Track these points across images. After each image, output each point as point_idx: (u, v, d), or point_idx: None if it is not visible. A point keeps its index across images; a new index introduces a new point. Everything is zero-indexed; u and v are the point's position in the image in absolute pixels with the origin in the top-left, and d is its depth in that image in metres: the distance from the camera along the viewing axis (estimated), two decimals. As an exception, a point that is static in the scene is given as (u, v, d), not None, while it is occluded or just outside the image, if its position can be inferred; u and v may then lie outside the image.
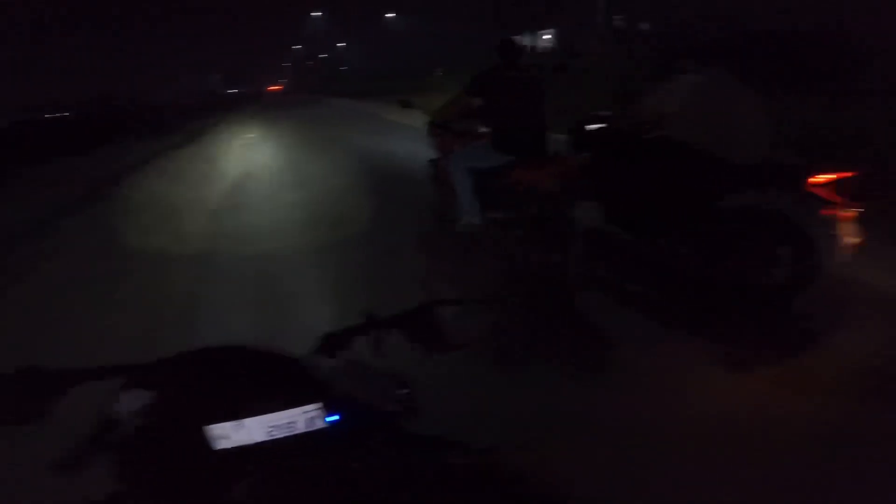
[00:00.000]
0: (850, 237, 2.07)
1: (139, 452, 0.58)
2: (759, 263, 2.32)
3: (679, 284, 2.48)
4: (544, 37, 27.70)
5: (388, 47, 41.38)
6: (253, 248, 3.83)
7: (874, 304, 2.35)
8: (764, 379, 1.93)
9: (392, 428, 0.67)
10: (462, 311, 0.81)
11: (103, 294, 3.23)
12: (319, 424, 0.59)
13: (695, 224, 2.47)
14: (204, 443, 0.56)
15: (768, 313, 2.28)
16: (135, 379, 0.61)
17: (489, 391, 1.88)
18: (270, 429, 0.58)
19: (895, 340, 2.08)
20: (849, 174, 2.09)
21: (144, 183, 7.48)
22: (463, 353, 0.79)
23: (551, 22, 25.43)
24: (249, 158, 8.48)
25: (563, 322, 2.43)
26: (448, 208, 3.37)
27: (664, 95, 2.54)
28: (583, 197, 2.66)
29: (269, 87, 53.18)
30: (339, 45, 55.07)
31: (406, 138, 7.34)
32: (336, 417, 0.60)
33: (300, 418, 0.58)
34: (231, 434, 0.57)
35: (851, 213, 2.07)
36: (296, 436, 0.58)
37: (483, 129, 3.17)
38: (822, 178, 2.11)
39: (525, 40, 27.12)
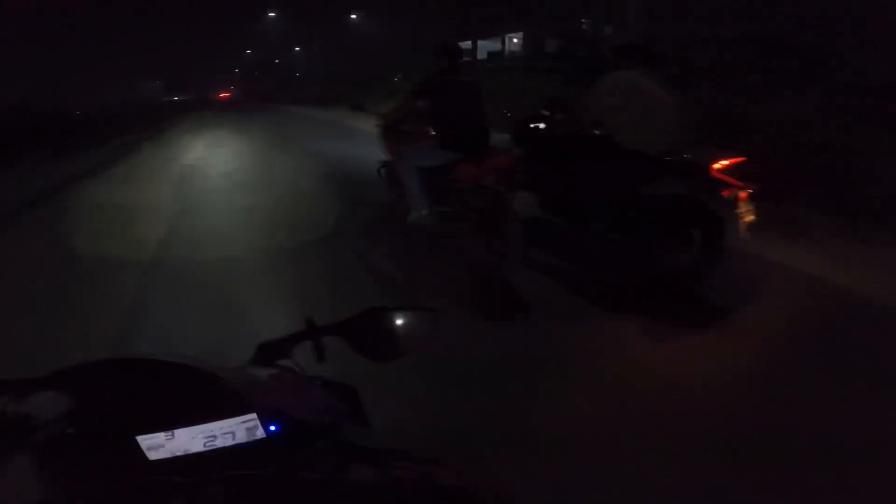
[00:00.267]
0: (746, 214, 2.56)
1: (63, 459, 0.60)
2: (675, 243, 2.79)
3: (608, 265, 2.92)
4: (514, 40, 29.02)
5: (347, 51, 42.02)
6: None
7: (766, 276, 2.88)
8: (679, 345, 2.36)
9: (335, 438, 0.69)
10: (409, 318, 0.82)
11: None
12: (259, 434, 0.61)
13: (620, 210, 2.93)
14: (136, 452, 0.59)
15: (683, 287, 2.75)
16: (52, 382, 0.62)
17: (436, 400, 2.00)
18: (207, 439, 0.60)
19: (784, 307, 2.58)
20: (741, 159, 2.60)
21: (48, 227, 5.38)
22: (409, 361, 0.81)
23: (519, 26, 26.67)
24: (188, 188, 6.83)
25: (505, 313, 2.78)
26: (400, 206, 3.75)
27: (595, 92, 2.99)
28: (521, 188, 3.08)
29: (220, 94, 53.39)
30: (295, 49, 55.51)
31: (360, 143, 7.74)
32: (275, 427, 0.62)
33: (238, 428, 0.61)
34: (164, 444, 0.59)
35: (746, 193, 2.56)
36: (235, 446, 0.61)
37: (431, 130, 3.58)
38: (721, 163, 2.61)
39: (486, 45, 28.26)
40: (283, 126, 14.30)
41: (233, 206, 5.56)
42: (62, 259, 4.08)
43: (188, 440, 0.60)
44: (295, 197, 5.63)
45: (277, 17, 50.75)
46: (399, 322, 0.81)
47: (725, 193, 2.56)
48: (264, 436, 0.61)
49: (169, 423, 0.59)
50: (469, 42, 29.88)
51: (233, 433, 0.61)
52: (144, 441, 0.59)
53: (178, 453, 0.60)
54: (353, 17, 42.97)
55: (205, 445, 0.60)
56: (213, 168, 8.13)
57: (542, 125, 3.51)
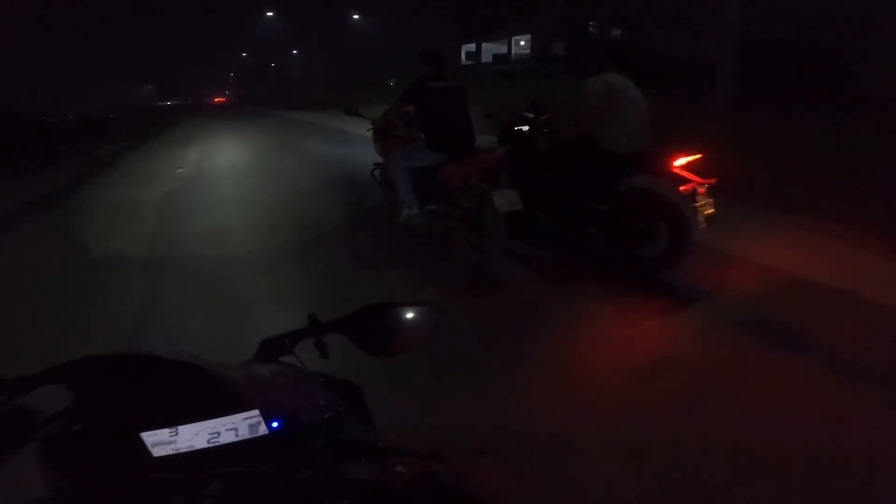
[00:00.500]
0: (704, 208, 2.99)
1: (67, 455, 0.63)
2: (644, 235, 3.21)
3: (586, 255, 3.35)
4: (520, 42, 29.85)
5: (346, 53, 43.15)
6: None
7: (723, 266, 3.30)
8: (649, 326, 2.77)
9: (335, 435, 0.72)
10: (410, 312, 0.88)
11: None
12: (262, 431, 0.64)
13: (596, 205, 3.36)
14: (140, 449, 0.62)
15: (651, 274, 3.17)
16: (55, 377, 0.65)
17: (434, 396, 2.20)
18: (211, 435, 0.64)
19: (742, 294, 2.99)
20: (698, 156, 3.03)
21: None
22: (407, 357, 0.86)
23: (526, 28, 27.47)
24: (173, 218, 5.61)
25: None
26: (392, 205, 4.21)
27: (583, 93, 3.42)
28: (504, 185, 3.52)
29: (215, 98, 55.48)
30: (292, 52, 56.89)
31: (354, 146, 8.22)
32: (278, 424, 0.65)
33: (241, 425, 0.64)
34: (168, 440, 0.63)
35: (703, 188, 2.99)
36: (237, 443, 0.64)
37: (420, 133, 4.04)
38: (681, 160, 3.04)
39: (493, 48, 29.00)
40: (281, 132, 14.75)
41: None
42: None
43: (192, 436, 0.64)
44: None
45: (276, 17, 52.01)
46: (400, 317, 0.87)
47: (685, 188, 2.99)
48: (266, 432, 0.65)
49: (172, 419, 0.63)
50: (473, 45, 30.73)
51: (236, 429, 0.64)
52: (149, 437, 0.63)
53: (182, 450, 0.64)
54: (356, 17, 44.10)
55: (208, 442, 0.64)
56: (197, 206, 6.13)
57: (525, 127, 3.97)
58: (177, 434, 0.63)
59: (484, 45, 30.17)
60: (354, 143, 9.13)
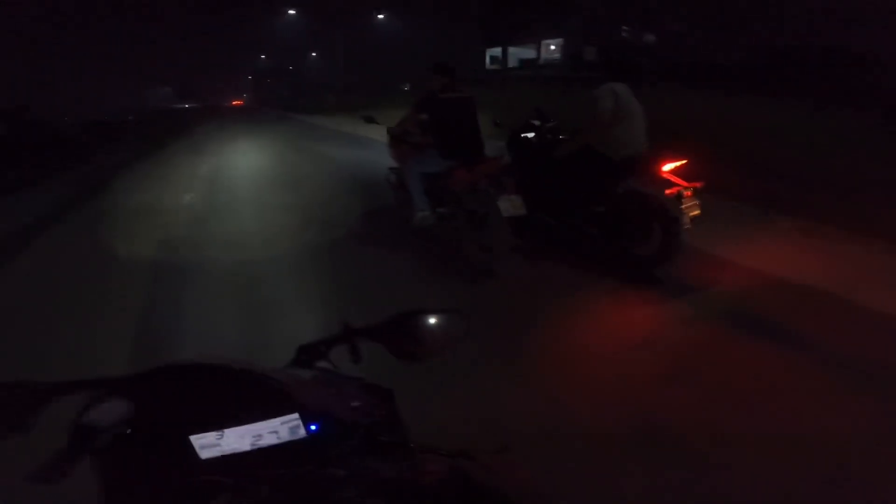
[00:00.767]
0: (690, 209, 3.48)
1: (121, 461, 0.71)
2: (638, 234, 3.72)
3: (585, 253, 3.87)
4: (550, 47, 30.64)
5: (368, 54, 44.59)
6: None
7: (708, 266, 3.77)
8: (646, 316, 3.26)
9: (369, 436, 0.79)
10: (439, 320, 0.96)
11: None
12: (301, 433, 0.72)
13: (594, 207, 3.89)
14: (189, 452, 0.70)
15: (645, 272, 3.67)
16: (110, 389, 0.73)
17: (464, 397, 2.44)
18: (254, 438, 0.71)
19: (731, 292, 3.47)
20: (684, 161, 3.54)
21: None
22: (438, 361, 0.95)
23: (556, 33, 28.23)
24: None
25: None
26: (406, 208, 4.81)
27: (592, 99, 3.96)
28: (509, 191, 4.07)
29: (232, 101, 58.39)
30: (311, 55, 58.93)
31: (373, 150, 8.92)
32: (316, 427, 0.73)
33: (282, 428, 0.72)
34: (215, 443, 0.71)
35: (689, 191, 3.49)
36: (277, 445, 0.72)
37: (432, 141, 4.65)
38: (669, 165, 3.55)
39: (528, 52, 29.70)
40: (301, 138, 15.55)
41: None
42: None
43: (237, 439, 0.71)
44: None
45: (297, 16, 53.77)
46: (428, 324, 0.96)
47: (670, 192, 3.49)
48: (305, 435, 0.72)
49: (220, 422, 0.70)
50: (499, 49, 31.55)
51: (277, 433, 0.71)
52: (197, 440, 0.70)
53: (227, 452, 0.71)
54: (380, 17, 45.54)
55: (251, 445, 0.71)
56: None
57: (531, 134, 4.54)
58: (222, 437, 0.71)
59: (511, 49, 30.93)
60: (371, 147, 9.84)
